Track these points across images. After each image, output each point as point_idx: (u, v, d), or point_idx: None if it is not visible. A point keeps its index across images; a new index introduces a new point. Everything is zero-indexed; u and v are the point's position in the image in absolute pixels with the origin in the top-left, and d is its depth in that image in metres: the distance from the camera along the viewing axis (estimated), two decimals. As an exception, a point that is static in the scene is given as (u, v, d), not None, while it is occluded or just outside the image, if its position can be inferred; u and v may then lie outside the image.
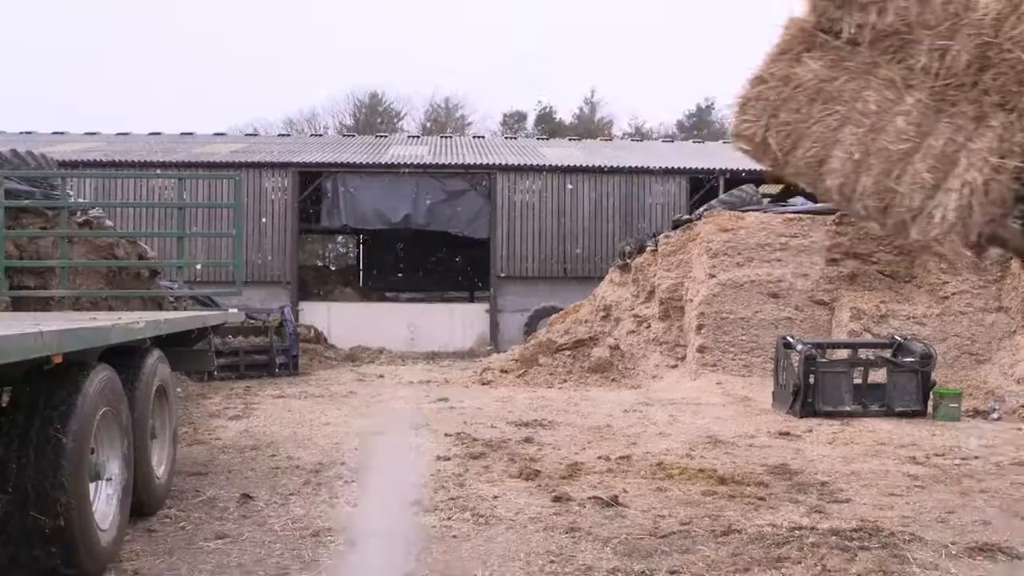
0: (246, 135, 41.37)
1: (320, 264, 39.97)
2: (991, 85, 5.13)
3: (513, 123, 56.55)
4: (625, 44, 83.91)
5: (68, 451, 4.78)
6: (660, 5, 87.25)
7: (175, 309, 14.50)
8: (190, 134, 34.34)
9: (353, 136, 41.34)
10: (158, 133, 34.08)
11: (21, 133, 32.13)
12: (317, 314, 25.45)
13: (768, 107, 5.46)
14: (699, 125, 54.21)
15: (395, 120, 57.69)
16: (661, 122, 52.60)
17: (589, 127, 52.75)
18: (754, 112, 5.49)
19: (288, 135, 43.47)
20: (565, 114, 57.08)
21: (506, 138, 43.21)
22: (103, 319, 6.41)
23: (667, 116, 51.76)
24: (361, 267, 37.50)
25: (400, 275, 35.07)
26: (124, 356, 6.28)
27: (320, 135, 44.22)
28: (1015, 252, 6.01)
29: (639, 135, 50.36)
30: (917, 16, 5.21)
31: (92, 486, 5.18)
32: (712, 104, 55.72)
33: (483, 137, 41.74)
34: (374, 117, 56.71)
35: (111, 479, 5.56)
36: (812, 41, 5.48)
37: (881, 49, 5.33)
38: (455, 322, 26.79)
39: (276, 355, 17.63)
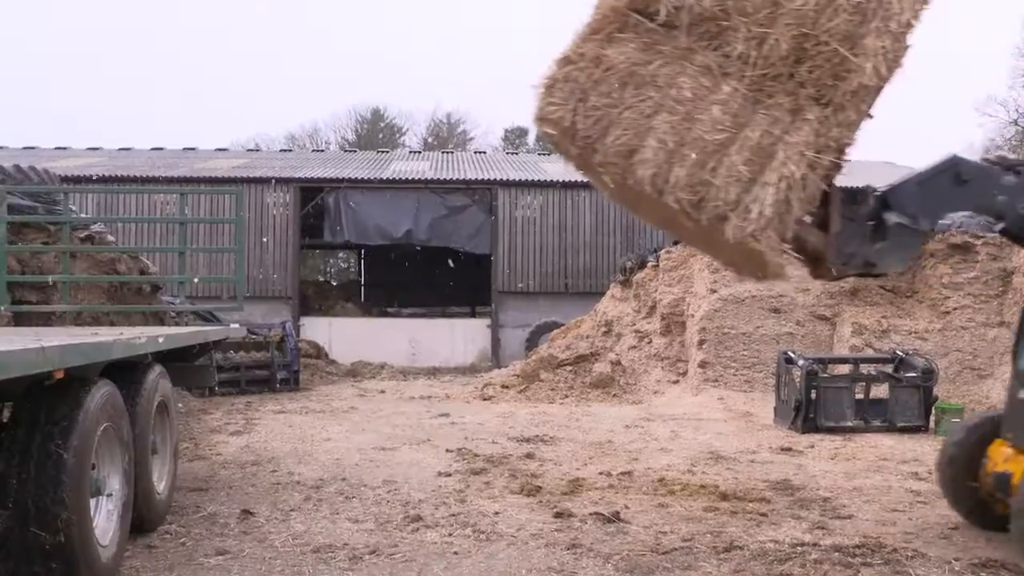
0: (248, 150, 41.45)
1: (321, 279, 40.01)
2: (807, 78, 5.02)
3: (514, 139, 56.66)
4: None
5: (69, 467, 4.78)
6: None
7: (177, 324, 14.51)
8: (192, 149, 34.43)
9: (355, 152, 41.44)
10: (160, 148, 34.17)
11: (24, 148, 32.23)
12: (318, 329, 25.44)
13: (577, 90, 5.07)
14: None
15: (397, 136, 57.86)
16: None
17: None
18: (562, 95, 5.08)
19: (290, 150, 43.58)
20: None
21: (507, 153, 43.29)
22: (105, 334, 6.41)
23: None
24: (362, 282, 37.54)
25: (401, 290, 35.08)
26: (126, 371, 6.28)
27: (322, 150, 44.34)
28: (811, 256, 5.69)
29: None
30: (736, 2, 5.03)
31: (93, 502, 5.18)
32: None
33: (484, 153, 41.83)
34: (376, 133, 56.87)
35: (112, 495, 5.55)
36: (625, 22, 5.15)
37: (698, 34, 5.10)
38: (456, 337, 26.77)
39: (277, 370, 17.62)
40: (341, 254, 42.07)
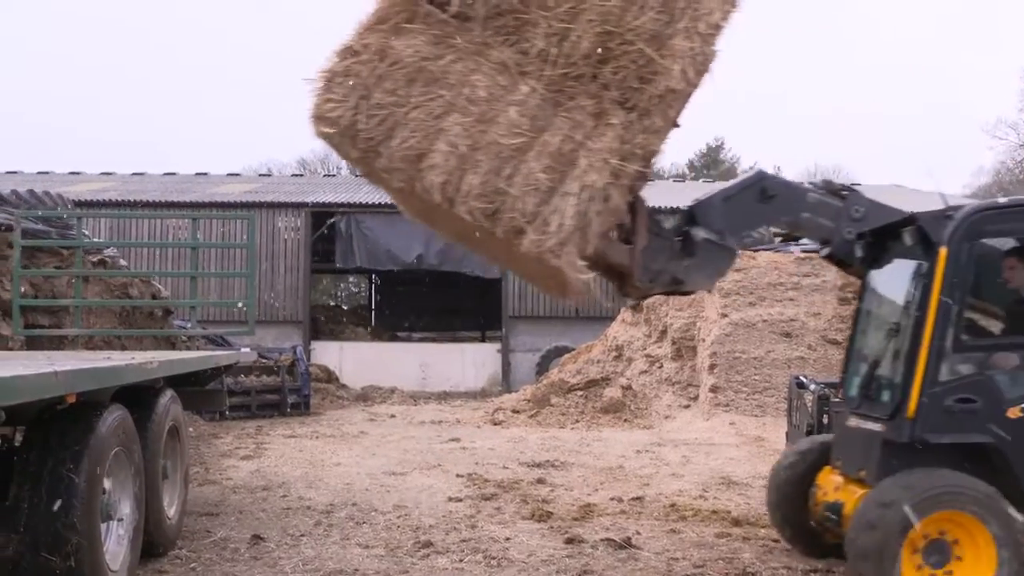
0: (260, 175, 41.62)
1: (332, 303, 40.06)
2: (612, 79, 4.67)
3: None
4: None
5: (80, 491, 4.78)
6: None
7: (188, 348, 14.53)
8: (204, 174, 34.58)
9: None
10: (173, 173, 34.33)
11: (38, 173, 32.41)
12: (329, 354, 25.44)
13: (359, 86, 4.60)
14: (709, 164, 54.29)
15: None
16: (672, 162, 52.61)
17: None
18: (342, 91, 4.61)
19: (302, 175, 43.73)
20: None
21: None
22: (117, 359, 6.43)
23: (678, 156, 51.74)
24: (373, 307, 37.57)
25: (412, 315, 35.09)
26: (137, 396, 6.29)
27: (333, 175, 44.45)
28: (615, 272, 5.44)
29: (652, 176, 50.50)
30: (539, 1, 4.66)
31: (104, 526, 5.19)
32: (722, 143, 55.84)
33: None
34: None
35: (122, 519, 5.56)
36: (415, 11, 4.71)
37: (495, 28, 4.70)
38: (467, 362, 26.74)
39: (288, 395, 17.63)
40: (352, 278, 42.15)
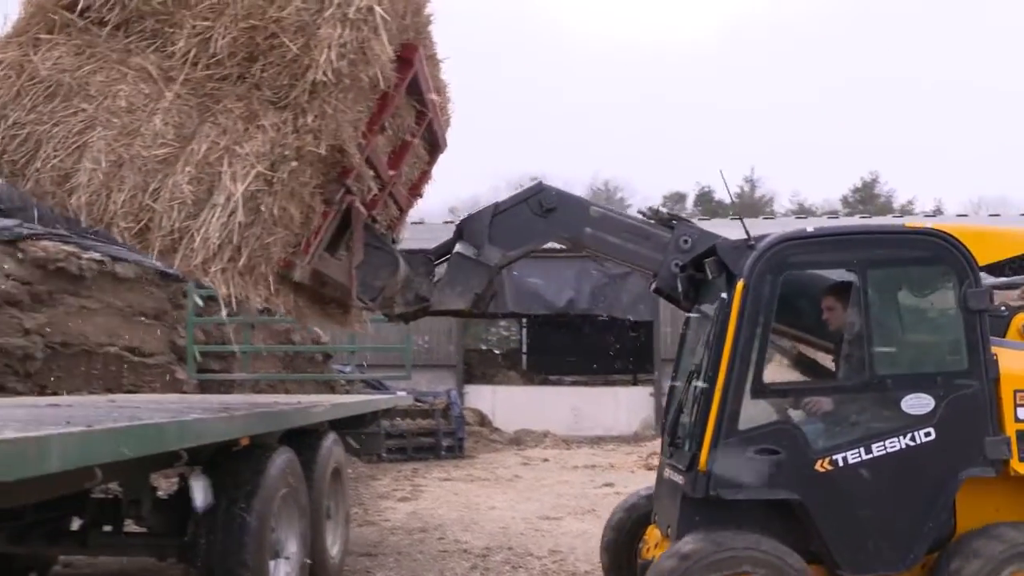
0: (413, 223, 42.67)
1: (484, 348, 40.53)
2: (261, 78, 4.30)
3: (672, 204, 56.49)
4: (783, 120, 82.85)
5: (252, 529, 5.00)
6: (815, 79, 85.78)
7: (346, 392, 14.99)
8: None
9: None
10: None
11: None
12: (482, 397, 25.73)
13: None
14: (864, 199, 52.69)
15: (556, 204, 58.55)
16: (825, 198, 51.27)
17: (749, 205, 52.06)
18: None
19: (452, 222, 44.61)
20: (724, 193, 56.70)
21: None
22: (284, 403, 6.71)
23: (831, 191, 50.29)
24: (524, 350, 37.79)
25: (563, 358, 35.13)
26: (303, 438, 6.55)
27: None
28: (335, 291, 5.08)
29: (802, 212, 49.37)
30: None
31: (272, 563, 5.40)
32: (877, 177, 54.17)
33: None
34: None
35: (289, 558, 5.77)
36: (54, 21, 4.33)
37: (137, 33, 4.34)
38: (619, 405, 26.56)
39: (442, 438, 17.87)
40: (503, 322, 42.55)
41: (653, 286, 5.64)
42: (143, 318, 11.35)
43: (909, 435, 4.90)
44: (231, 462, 5.22)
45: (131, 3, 4.26)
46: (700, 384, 5.14)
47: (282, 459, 5.57)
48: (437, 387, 21.85)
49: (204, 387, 11.51)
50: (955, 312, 5.05)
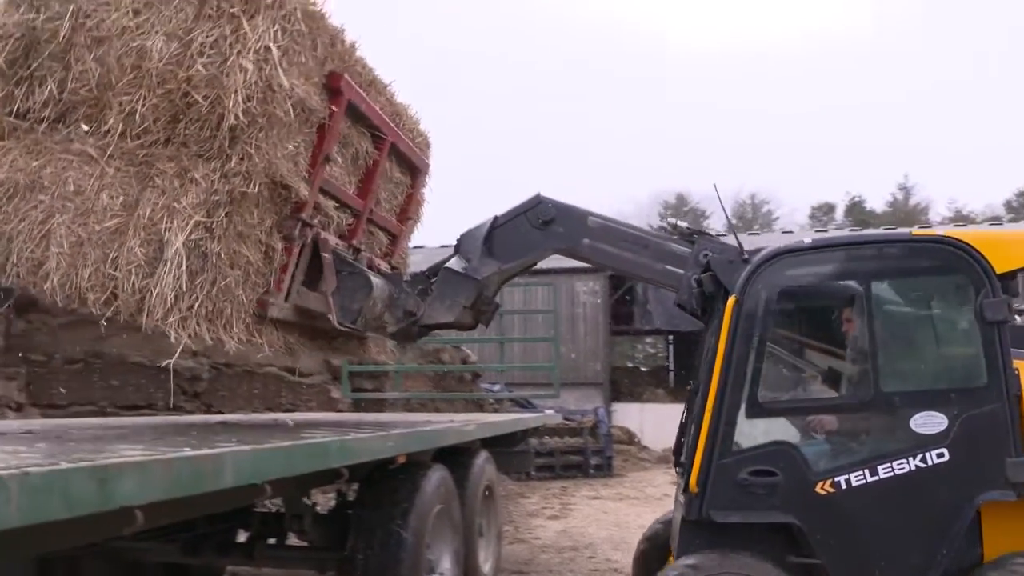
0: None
1: (631, 365, 40.34)
2: (187, 136, 4.52)
3: (821, 216, 54.91)
4: (938, 122, 79.39)
5: (408, 545, 5.14)
6: (975, 77, 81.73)
7: (495, 410, 15.19)
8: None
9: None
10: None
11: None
12: (629, 415, 25.59)
13: None
14: (1032, 202, 50.01)
15: (701, 220, 57.82)
16: (987, 203, 48.77)
17: (903, 215, 50.19)
18: None
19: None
20: (876, 202, 54.77)
21: (815, 231, 42.00)
22: (437, 422, 6.86)
23: (992, 196, 47.72)
24: (671, 367, 37.44)
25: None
26: (455, 456, 6.68)
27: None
28: (327, 322, 5.12)
29: (960, 219, 47.22)
30: (101, 78, 4.55)
31: (427, 579, 5.52)
32: (1045, 179, 51.21)
33: (791, 232, 40.78)
34: (680, 218, 57.04)
35: (443, 574, 5.88)
36: (2, 128, 4.74)
37: (73, 121, 4.66)
38: (770, 424, 25.97)
39: (590, 456, 17.85)
40: (649, 339, 42.28)
41: (676, 300, 5.46)
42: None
43: (919, 456, 4.51)
44: (388, 479, 5.38)
45: (63, 97, 4.63)
46: (697, 403, 4.95)
47: (437, 477, 5.70)
48: (585, 405, 21.85)
49: (357, 405, 11.86)
50: (971, 324, 4.67)
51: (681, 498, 4.95)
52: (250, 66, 4.43)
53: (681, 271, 5.27)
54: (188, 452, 2.92)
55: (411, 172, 6.70)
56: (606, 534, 10.63)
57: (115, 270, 4.41)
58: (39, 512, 2.21)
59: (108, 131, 4.57)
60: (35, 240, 4.51)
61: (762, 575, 4.43)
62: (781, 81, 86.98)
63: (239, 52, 4.44)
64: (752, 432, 4.75)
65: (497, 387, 15.51)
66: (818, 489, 4.54)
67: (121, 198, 4.49)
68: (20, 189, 4.57)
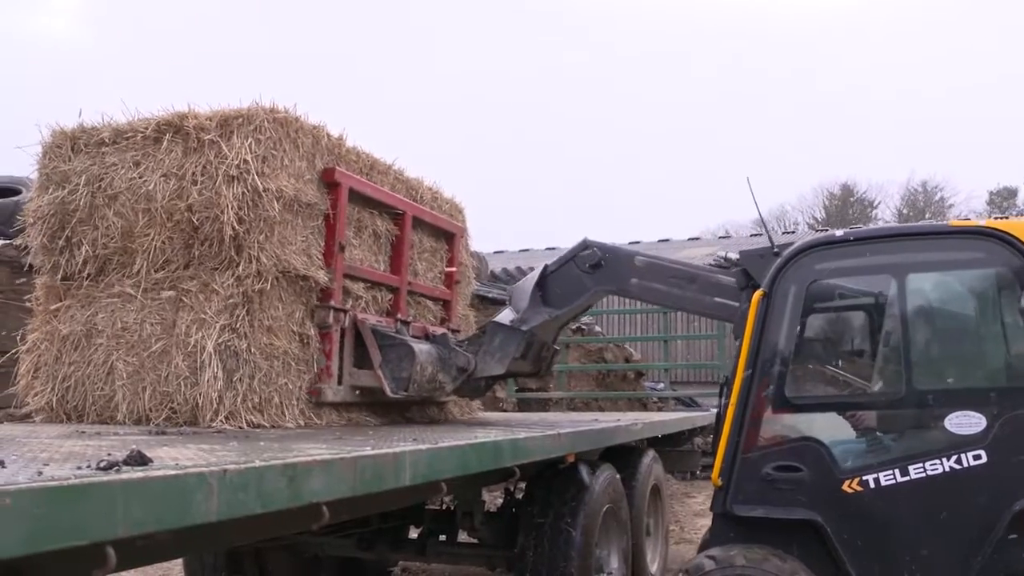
0: (719, 238, 42.26)
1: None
2: (201, 254, 4.98)
3: (1001, 201, 52.00)
4: None
5: (577, 544, 5.18)
6: None
7: (659, 409, 15.06)
8: (666, 240, 35.80)
9: (826, 231, 40.58)
10: (637, 242, 35.94)
11: (520, 251, 35.55)
12: (796, 414, 24.92)
13: (50, 372, 5.19)
14: None
15: (868, 210, 55.74)
16: None
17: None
18: (40, 381, 5.22)
19: (759, 234, 43.69)
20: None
21: (994, 218, 39.87)
22: (604, 421, 6.88)
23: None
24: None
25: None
26: (623, 455, 6.67)
27: (791, 231, 43.96)
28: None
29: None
30: (123, 228, 5.10)
31: (595, 578, 5.53)
32: None
33: (968, 219, 38.94)
34: (846, 209, 55.26)
35: (611, 573, 5.90)
36: (60, 291, 5.32)
37: (111, 270, 5.21)
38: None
39: (756, 455, 17.46)
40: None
41: (734, 331, 5.29)
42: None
43: (954, 457, 4.27)
44: (558, 478, 5.42)
45: (97, 252, 5.21)
46: (723, 397, 4.92)
47: (605, 476, 5.71)
48: (749, 403, 21.33)
49: (521, 405, 11.98)
50: (1014, 320, 4.43)
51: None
52: (233, 181, 4.90)
53: (735, 303, 5.23)
54: (370, 451, 3.02)
55: (446, 238, 7.01)
56: (775, 536, 10.37)
57: (168, 387, 4.86)
58: (236, 507, 2.33)
59: (139, 270, 5.09)
60: (102, 379, 5.08)
61: (784, 572, 4.33)
62: (936, 57, 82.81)
63: (224, 173, 4.91)
64: (778, 427, 4.73)
65: (661, 385, 15.36)
66: (845, 487, 4.44)
67: (160, 324, 4.99)
68: (81, 338, 5.17)
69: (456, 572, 7.97)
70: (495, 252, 34.13)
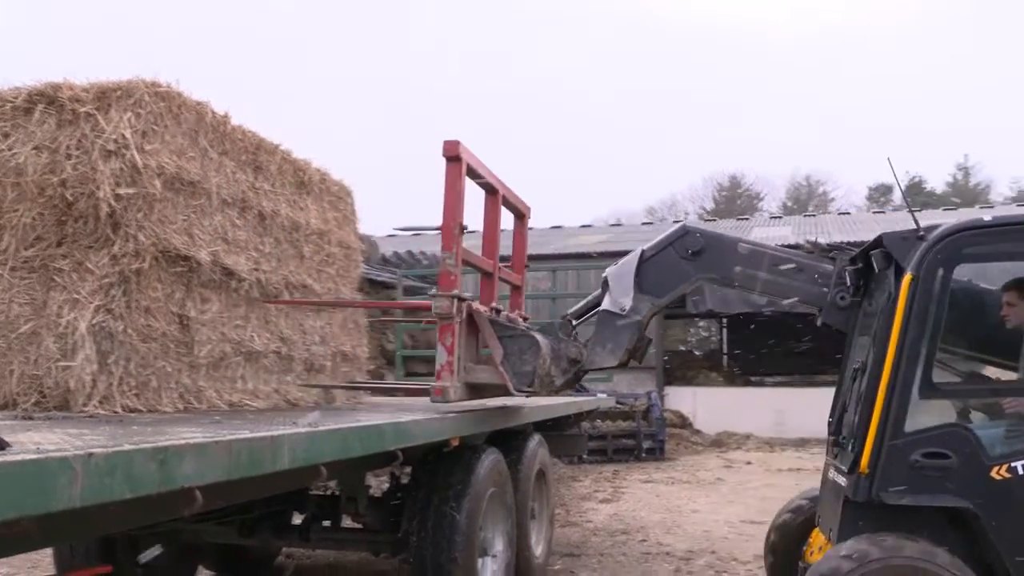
0: (611, 225, 42.81)
1: (683, 348, 40.11)
2: (75, 232, 4.73)
3: (878, 197, 54.04)
4: (998, 101, 77.56)
5: (462, 527, 5.19)
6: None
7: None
8: (559, 227, 36.10)
9: (714, 220, 41.43)
10: (531, 228, 36.09)
11: (413, 235, 35.37)
12: (682, 399, 25.45)
13: None
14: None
15: (755, 202, 57.25)
16: (1053, 181, 47.70)
17: (964, 195, 49.20)
18: None
19: (651, 223, 44.42)
20: (936, 183, 53.81)
21: (873, 212, 41.36)
22: (491, 405, 6.90)
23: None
24: (725, 351, 37.16)
25: (765, 359, 34.30)
26: (508, 439, 6.71)
27: (680, 221, 44.78)
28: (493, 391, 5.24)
29: None
30: None
31: (480, 561, 5.57)
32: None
33: (848, 213, 40.26)
34: (734, 200, 56.62)
35: (496, 556, 5.93)
36: None
37: None
38: (824, 408, 25.60)
39: (643, 440, 17.82)
40: (702, 323, 42.00)
41: (819, 320, 5.43)
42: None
43: None
44: (442, 462, 5.42)
45: None
46: (865, 382, 4.83)
47: (490, 459, 5.73)
48: (637, 389, 21.76)
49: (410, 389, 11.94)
50: None
51: (838, 478, 4.96)
52: (110, 156, 4.68)
53: (827, 290, 5.24)
54: (247, 434, 2.96)
55: (516, 217, 6.72)
56: (658, 518, 10.62)
57: (37, 370, 4.61)
58: (103, 492, 2.26)
59: (6, 248, 4.81)
60: None
61: (940, 563, 4.30)
62: (837, 65, 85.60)
63: (100, 146, 4.68)
64: (925, 414, 4.62)
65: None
66: (993, 474, 4.41)
67: (30, 304, 4.73)
68: None
69: (341, 557, 7.93)
70: (387, 236, 33.94)
